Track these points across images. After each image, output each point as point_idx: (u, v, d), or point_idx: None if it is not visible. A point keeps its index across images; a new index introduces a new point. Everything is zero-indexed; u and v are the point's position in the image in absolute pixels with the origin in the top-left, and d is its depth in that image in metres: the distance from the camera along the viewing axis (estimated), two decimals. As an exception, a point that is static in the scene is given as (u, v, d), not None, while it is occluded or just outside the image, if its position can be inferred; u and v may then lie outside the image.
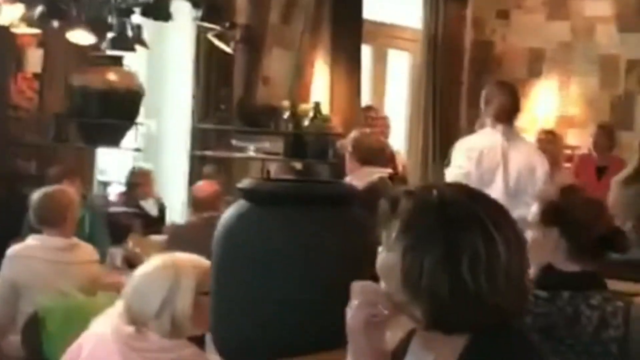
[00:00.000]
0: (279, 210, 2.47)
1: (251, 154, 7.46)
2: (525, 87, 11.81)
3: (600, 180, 8.46)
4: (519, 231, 1.77)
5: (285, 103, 8.50)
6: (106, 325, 3.06)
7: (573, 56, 11.52)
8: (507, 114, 5.47)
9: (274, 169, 7.82)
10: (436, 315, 1.71)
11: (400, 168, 9.18)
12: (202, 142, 8.15)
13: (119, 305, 3.11)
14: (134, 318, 2.99)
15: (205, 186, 6.09)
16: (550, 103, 11.67)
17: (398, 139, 10.57)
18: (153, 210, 7.41)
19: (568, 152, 11.36)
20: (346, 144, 5.59)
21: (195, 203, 5.99)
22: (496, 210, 1.76)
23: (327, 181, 2.75)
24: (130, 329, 2.98)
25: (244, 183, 2.54)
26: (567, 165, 10.56)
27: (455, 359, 1.72)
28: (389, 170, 5.69)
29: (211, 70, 8.34)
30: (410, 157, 10.96)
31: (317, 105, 7.16)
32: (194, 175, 7.90)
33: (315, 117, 6.92)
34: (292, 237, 2.42)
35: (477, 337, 1.71)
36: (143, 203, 7.34)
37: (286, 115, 7.09)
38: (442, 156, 9.75)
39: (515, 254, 1.73)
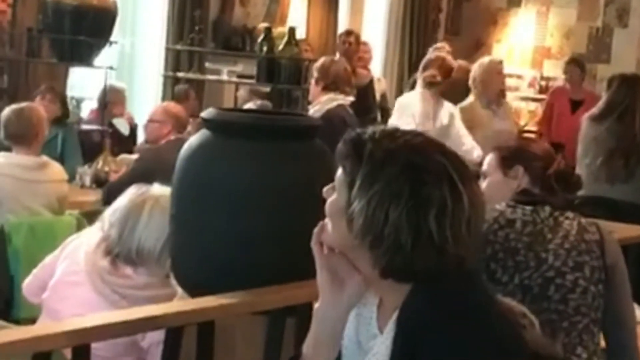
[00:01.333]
0: (241, 141, 2.46)
1: (224, 77, 7.39)
2: (505, 16, 11.80)
3: (574, 114, 8.47)
4: (479, 186, 1.78)
5: (262, 25, 8.42)
6: (81, 250, 3.04)
7: (553, -14, 11.48)
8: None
9: (241, 92, 7.78)
10: (396, 264, 1.69)
11: (378, 97, 9.14)
12: (175, 63, 8.09)
13: (95, 235, 3.06)
14: (127, 257, 2.95)
15: (157, 107, 5.99)
16: (528, 33, 11.65)
17: (374, 65, 10.51)
18: (125, 129, 7.36)
19: (543, 83, 11.42)
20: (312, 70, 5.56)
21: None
22: (461, 164, 1.75)
23: (291, 113, 2.74)
24: (104, 262, 2.96)
25: (207, 112, 2.53)
26: (543, 96, 10.60)
27: (400, 304, 1.72)
28: (351, 98, 5.64)
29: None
30: (385, 83, 10.93)
31: (291, 30, 7.09)
32: (166, 96, 7.87)
33: (289, 41, 6.86)
34: (251, 169, 2.42)
35: (424, 281, 1.71)
36: (115, 122, 7.28)
37: (260, 38, 7.02)
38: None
39: (477, 208, 1.73)
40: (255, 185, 2.41)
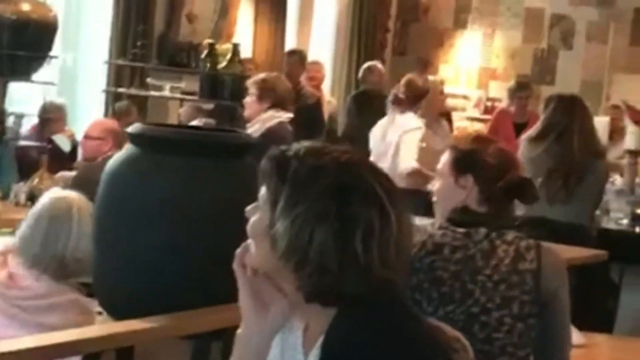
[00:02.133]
0: (167, 157, 2.39)
1: (166, 93, 7.30)
2: (451, 37, 11.84)
3: (518, 137, 8.47)
4: (407, 206, 1.73)
5: (206, 42, 8.35)
6: None
7: (499, 8, 11.54)
8: None
9: (184, 109, 7.70)
10: (321, 288, 1.62)
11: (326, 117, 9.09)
12: (118, 78, 7.98)
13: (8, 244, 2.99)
14: (28, 259, 2.87)
15: (95, 124, 5.86)
16: (474, 54, 11.70)
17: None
18: (65, 146, 7.24)
19: (488, 104, 11.46)
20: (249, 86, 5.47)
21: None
22: (389, 183, 1.69)
23: (226, 130, 2.66)
24: (2, 274, 2.85)
25: (134, 127, 2.46)
26: (488, 117, 10.63)
27: (325, 328, 1.65)
28: (290, 115, 5.57)
29: (131, 5, 8.16)
30: (335, 103, 10.90)
31: (235, 46, 7.04)
32: (109, 112, 7.76)
33: (232, 58, 6.80)
34: (178, 186, 2.35)
35: (350, 306, 1.64)
36: (55, 138, 7.16)
37: (203, 54, 6.95)
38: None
39: (405, 229, 1.67)
40: (181, 203, 2.34)
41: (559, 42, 11.25)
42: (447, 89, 10.85)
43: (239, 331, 1.76)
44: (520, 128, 8.63)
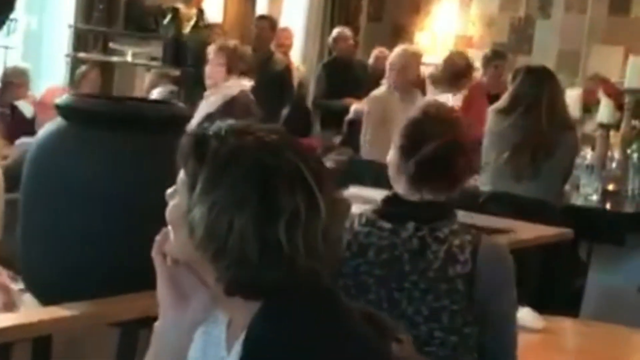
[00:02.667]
0: (97, 132, 2.23)
1: (128, 58, 7.11)
2: (428, 4, 11.68)
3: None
4: (339, 191, 1.58)
5: (171, 6, 8.18)
6: None
7: (476, -25, 11.40)
8: None
9: (150, 76, 7.53)
10: (242, 279, 1.50)
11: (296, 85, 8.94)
12: (83, 43, 7.77)
13: None
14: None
15: (53, 92, 5.69)
16: (450, 22, 11.54)
17: (293, 52, 10.29)
18: (28, 112, 7.06)
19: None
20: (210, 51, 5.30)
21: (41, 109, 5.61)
22: (319, 165, 1.55)
23: (159, 101, 2.50)
24: None
25: (62, 98, 2.29)
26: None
27: (248, 321, 1.52)
28: (251, 83, 5.39)
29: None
30: (306, 69, 10.73)
31: (200, 12, 6.86)
32: (73, 77, 7.57)
33: (197, 24, 6.63)
34: (109, 164, 2.19)
35: (274, 299, 1.51)
36: (17, 104, 6.99)
37: (167, 20, 6.76)
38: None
39: (336, 215, 1.53)
40: (112, 182, 2.18)
41: (537, 10, 11.10)
42: (422, 58, 10.76)
43: (156, 324, 1.63)
44: (495, 99, 8.47)
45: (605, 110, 5.19)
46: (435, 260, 2.24)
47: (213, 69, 5.16)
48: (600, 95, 5.36)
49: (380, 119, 7.10)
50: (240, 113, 5.04)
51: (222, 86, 5.12)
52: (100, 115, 2.24)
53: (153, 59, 7.55)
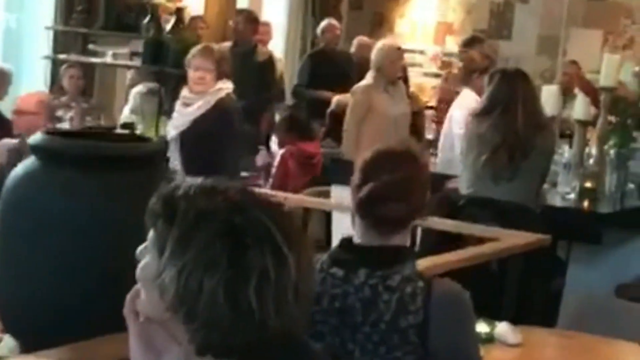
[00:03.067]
0: (72, 171, 2.25)
1: (107, 59, 7.10)
2: (407, -9, 11.71)
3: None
4: (309, 247, 1.61)
5: (159, 2, 8.17)
6: None
7: (454, -39, 11.41)
8: None
9: (131, 75, 7.54)
10: (213, 340, 1.52)
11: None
12: (62, 44, 7.75)
13: None
14: None
15: (29, 99, 5.68)
16: (430, 9, 11.57)
17: (277, 44, 10.30)
18: (8, 113, 7.05)
19: (445, 59, 11.35)
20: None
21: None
22: (288, 222, 1.57)
23: (134, 137, 2.52)
24: None
25: (34, 138, 2.33)
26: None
27: None
28: (231, 85, 5.35)
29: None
30: (287, 62, 10.75)
31: (179, 11, 6.85)
32: (54, 79, 7.57)
33: (177, 23, 6.63)
34: (85, 203, 2.21)
35: (246, 358, 1.54)
36: (-3, 105, 6.97)
37: (146, 20, 6.75)
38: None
39: (306, 272, 1.55)
40: (88, 222, 2.20)
41: (517, -5, 11.15)
42: (403, 45, 10.76)
43: None
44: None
45: (581, 107, 5.24)
46: (387, 310, 2.19)
47: (202, 75, 5.08)
48: (577, 92, 5.40)
49: (364, 111, 7.16)
50: (235, 115, 5.16)
51: (209, 91, 5.11)
52: (74, 156, 2.27)
53: (134, 54, 7.54)
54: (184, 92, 5.26)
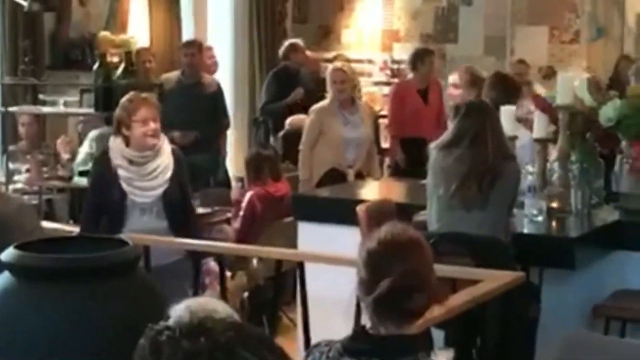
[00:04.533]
0: (42, 285, 2.24)
1: (61, 108, 7.01)
2: (351, 1, 11.70)
3: (427, 104, 8.39)
4: None
5: (103, 35, 8.11)
6: None
7: (396, -31, 11.43)
8: None
9: (82, 126, 7.50)
10: None
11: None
12: (12, 97, 7.64)
13: None
14: None
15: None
16: (376, 17, 11.58)
17: (225, 69, 10.25)
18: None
19: (394, 66, 11.37)
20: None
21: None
22: (277, 355, 1.60)
23: (108, 240, 2.46)
24: None
25: (6, 254, 2.30)
26: (396, 80, 10.52)
27: None
28: None
29: (17, 25, 7.86)
30: (237, 84, 10.72)
31: (128, 54, 6.78)
32: (8, 134, 7.48)
33: (127, 67, 6.57)
34: (62, 317, 2.19)
35: None
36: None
37: (96, 66, 6.67)
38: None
39: None
40: (67, 335, 2.18)
41: (459, -2, 11.20)
42: (351, 55, 10.78)
43: None
44: (424, 95, 8.50)
45: (539, 126, 5.26)
46: None
47: (155, 126, 4.85)
48: (533, 109, 5.41)
49: (316, 132, 7.17)
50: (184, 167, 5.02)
51: (161, 146, 4.91)
52: (45, 270, 2.26)
53: (84, 91, 7.45)
54: (128, 151, 4.87)
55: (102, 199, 4.92)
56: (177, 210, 4.91)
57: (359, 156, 7.16)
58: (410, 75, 8.69)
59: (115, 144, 4.91)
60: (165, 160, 4.92)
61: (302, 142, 7.29)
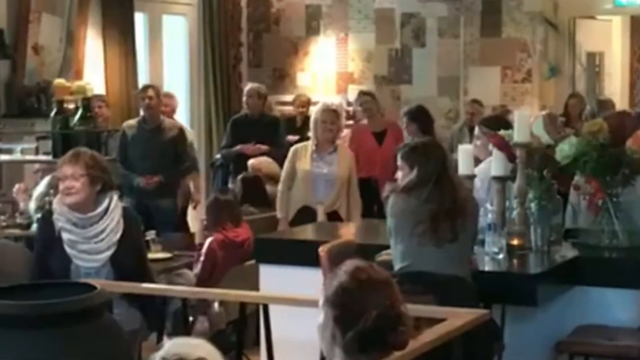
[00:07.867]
0: (10, 332, 2.23)
1: (18, 156, 6.97)
2: (305, 45, 11.79)
3: (382, 146, 8.47)
4: None
5: (58, 82, 8.08)
6: None
7: (349, 12, 11.54)
8: None
9: (40, 174, 7.45)
10: None
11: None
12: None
13: None
14: None
15: None
16: (330, 60, 11.68)
17: (182, 113, 10.26)
18: None
19: (349, 108, 11.43)
20: None
21: None
22: None
23: (77, 290, 2.44)
24: None
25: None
26: (351, 122, 10.58)
27: None
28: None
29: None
30: (193, 128, 10.71)
31: (85, 101, 6.77)
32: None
33: (84, 114, 6.56)
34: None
35: None
36: None
37: (53, 112, 6.66)
38: (226, 122, 9.60)
39: None
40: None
41: (412, 40, 11.33)
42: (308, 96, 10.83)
43: None
44: (380, 137, 8.57)
45: (498, 164, 5.30)
46: None
47: (77, 186, 4.55)
48: (491, 148, 5.46)
49: (291, 171, 7.16)
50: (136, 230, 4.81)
51: (103, 207, 4.61)
52: (12, 316, 2.25)
53: (40, 138, 7.39)
54: (72, 212, 4.60)
55: (46, 262, 4.65)
56: (129, 275, 4.60)
57: (329, 193, 7.08)
58: (365, 120, 8.84)
59: (59, 204, 4.68)
60: (113, 221, 4.66)
61: (280, 181, 7.31)
